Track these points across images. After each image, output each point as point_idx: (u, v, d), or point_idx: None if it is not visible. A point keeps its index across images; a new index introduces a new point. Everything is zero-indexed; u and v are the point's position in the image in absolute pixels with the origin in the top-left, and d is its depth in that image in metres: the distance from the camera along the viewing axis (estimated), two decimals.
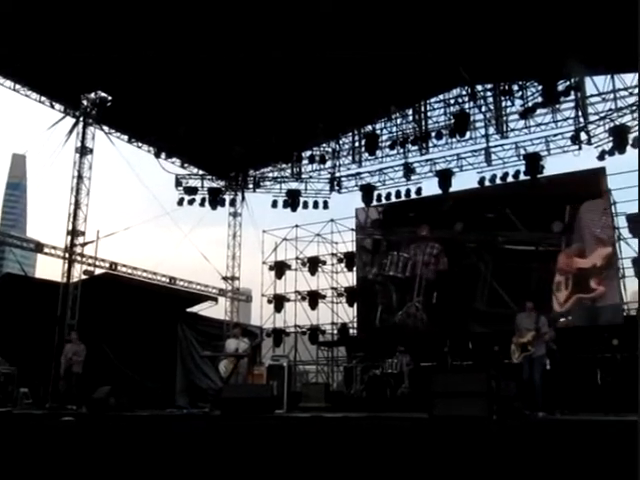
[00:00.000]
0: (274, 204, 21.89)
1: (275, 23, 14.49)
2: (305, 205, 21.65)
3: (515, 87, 18.32)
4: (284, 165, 22.38)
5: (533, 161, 17.87)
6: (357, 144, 21.55)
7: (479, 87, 19.10)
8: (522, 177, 18.10)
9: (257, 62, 15.84)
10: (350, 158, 21.75)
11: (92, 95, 17.87)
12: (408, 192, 19.88)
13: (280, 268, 22.10)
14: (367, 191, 20.49)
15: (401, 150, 20.34)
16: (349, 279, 21.32)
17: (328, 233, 21.70)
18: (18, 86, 17.26)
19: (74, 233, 17.57)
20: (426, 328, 18.89)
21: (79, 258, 17.77)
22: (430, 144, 20.04)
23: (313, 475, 3.06)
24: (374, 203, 20.66)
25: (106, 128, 19.18)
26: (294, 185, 22.21)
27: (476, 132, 19.48)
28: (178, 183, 21.98)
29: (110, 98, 17.94)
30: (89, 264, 18.15)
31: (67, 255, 17.47)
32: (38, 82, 17.31)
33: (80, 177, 17.86)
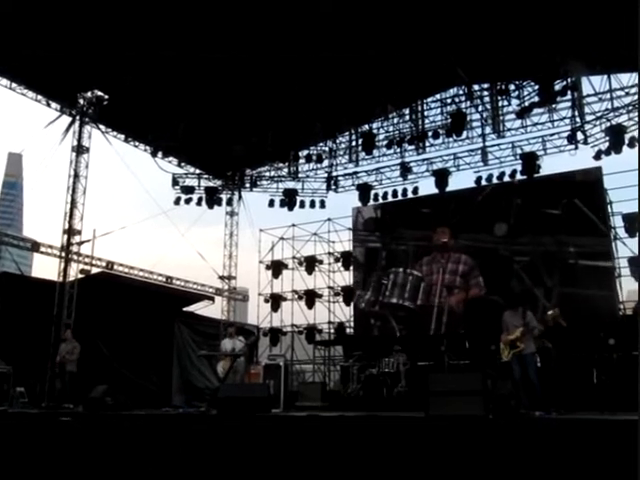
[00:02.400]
0: (271, 203, 21.91)
1: (274, 22, 14.49)
2: (302, 204, 21.65)
3: (512, 87, 18.35)
4: (281, 164, 22.40)
5: (530, 160, 17.88)
6: (354, 143, 21.58)
7: (476, 87, 19.12)
8: (519, 177, 18.10)
9: (254, 62, 15.83)
10: (347, 157, 21.77)
11: (89, 94, 17.85)
12: (405, 191, 19.81)
13: (277, 267, 22.07)
14: (364, 190, 20.45)
15: (398, 149, 20.36)
16: (346, 278, 21.27)
17: (325, 232, 21.65)
18: (14, 84, 17.26)
19: (70, 232, 17.54)
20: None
21: (75, 257, 17.75)
22: (427, 143, 20.07)
23: (309, 474, 3.06)
24: (371, 202, 20.32)
25: (103, 127, 19.15)
26: (291, 184, 22.25)
27: (473, 131, 19.53)
28: (175, 182, 21.98)
29: (107, 97, 17.91)
30: (85, 263, 18.13)
31: (63, 254, 17.44)
32: (34, 81, 17.29)
33: (76, 176, 17.83)
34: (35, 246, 18.23)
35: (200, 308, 21.11)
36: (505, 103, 19.05)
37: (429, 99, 20.20)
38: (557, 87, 17.05)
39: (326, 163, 21.85)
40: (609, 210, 16.54)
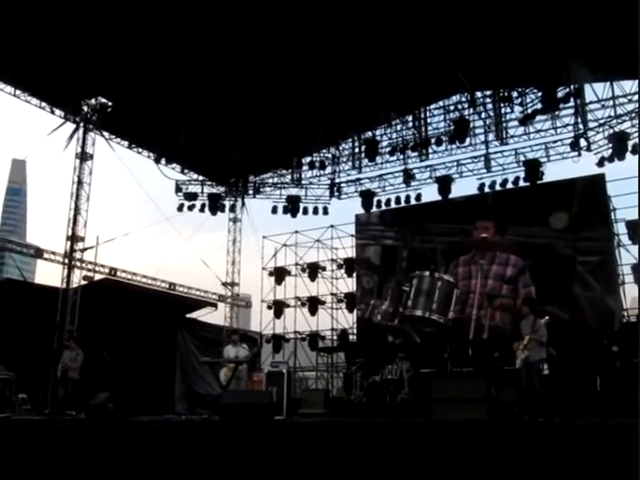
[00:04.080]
0: (274, 210, 21.95)
1: (275, 25, 14.52)
2: (305, 211, 21.68)
3: (515, 94, 18.38)
4: (284, 171, 22.44)
5: (533, 167, 17.87)
6: (357, 150, 21.62)
7: (479, 94, 19.15)
8: (522, 184, 18.07)
9: (257, 68, 15.89)
10: (350, 164, 21.80)
11: (92, 101, 17.91)
12: (408, 198, 19.80)
13: (280, 274, 22.07)
14: (367, 197, 20.46)
15: (401, 156, 20.39)
16: (349, 285, 21.25)
17: (328, 239, 21.65)
18: (18, 92, 17.33)
19: (74, 239, 17.57)
20: None
21: (79, 264, 17.77)
22: (430, 150, 20.09)
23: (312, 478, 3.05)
24: (374, 209, 20.26)
25: (106, 134, 19.20)
26: (294, 191, 22.29)
27: (476, 138, 19.54)
28: (178, 189, 22.02)
29: (110, 104, 17.97)
30: (89, 270, 18.16)
31: (67, 261, 17.46)
32: (38, 88, 17.37)
33: (80, 183, 17.87)
34: (38, 252, 18.27)
35: (203, 314, 21.13)
36: (508, 110, 19.09)
37: (432, 106, 20.25)
38: (560, 94, 17.07)
39: (329, 170, 21.90)
40: (612, 217, 16.52)
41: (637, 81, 16.18)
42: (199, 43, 14.99)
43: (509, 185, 18.30)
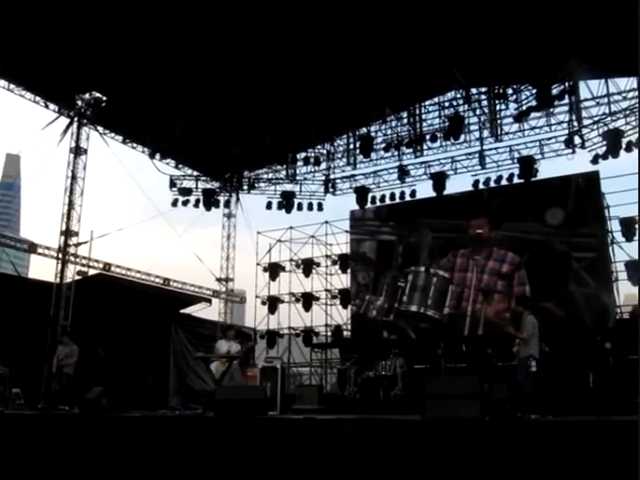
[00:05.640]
0: (268, 205, 21.93)
1: (272, 23, 14.49)
2: (299, 207, 21.67)
3: (509, 90, 18.42)
4: (279, 167, 22.42)
5: (527, 164, 17.90)
6: (352, 146, 21.61)
7: (474, 90, 19.16)
8: (516, 180, 18.10)
9: (252, 64, 15.85)
10: (345, 160, 21.79)
11: (87, 95, 17.84)
12: (402, 194, 19.81)
13: (274, 270, 22.05)
14: (361, 193, 20.47)
15: (396, 152, 20.40)
16: (343, 281, 21.26)
17: (322, 235, 21.61)
18: (12, 86, 17.25)
19: (68, 233, 17.52)
20: None
21: (72, 259, 17.73)
22: (424, 147, 20.09)
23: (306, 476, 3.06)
24: (369, 205, 20.28)
25: (101, 128, 19.14)
26: (289, 187, 22.28)
27: (470, 135, 19.55)
28: (172, 184, 21.98)
29: (105, 98, 17.91)
30: (82, 265, 18.12)
31: (60, 255, 17.42)
32: (32, 82, 17.29)
33: (74, 177, 17.82)
34: (32, 247, 18.21)
35: (197, 310, 21.10)
36: (503, 107, 19.12)
37: (427, 102, 20.24)
38: (555, 91, 17.12)
39: (324, 166, 21.89)
40: (606, 214, 16.56)
41: (632, 78, 16.21)
42: (195, 39, 14.94)
43: (503, 182, 18.34)
